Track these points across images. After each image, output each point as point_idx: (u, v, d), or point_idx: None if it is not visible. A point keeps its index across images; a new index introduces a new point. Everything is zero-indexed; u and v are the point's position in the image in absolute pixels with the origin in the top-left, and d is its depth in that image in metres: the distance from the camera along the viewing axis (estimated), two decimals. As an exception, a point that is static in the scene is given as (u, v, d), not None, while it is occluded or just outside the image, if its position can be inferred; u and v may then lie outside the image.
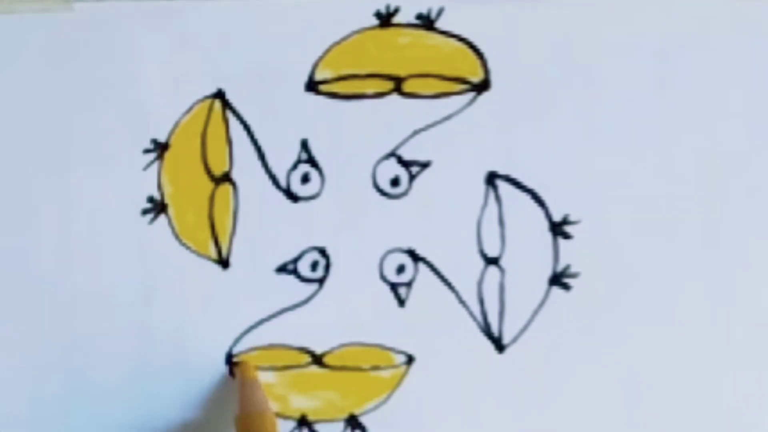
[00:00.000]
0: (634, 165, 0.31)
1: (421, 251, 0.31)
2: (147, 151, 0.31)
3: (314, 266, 0.31)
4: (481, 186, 0.31)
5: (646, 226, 0.31)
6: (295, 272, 0.31)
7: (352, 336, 0.32)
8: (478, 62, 0.31)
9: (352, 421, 0.32)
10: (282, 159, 0.32)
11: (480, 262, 0.31)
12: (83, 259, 0.31)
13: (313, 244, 0.32)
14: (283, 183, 0.32)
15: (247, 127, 0.32)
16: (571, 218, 0.31)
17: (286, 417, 0.32)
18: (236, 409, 0.30)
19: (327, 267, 0.31)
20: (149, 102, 0.31)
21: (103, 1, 0.31)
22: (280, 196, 0.32)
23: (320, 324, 0.31)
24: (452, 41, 0.31)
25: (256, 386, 0.30)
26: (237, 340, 0.31)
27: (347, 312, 0.32)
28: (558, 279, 0.31)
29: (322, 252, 0.31)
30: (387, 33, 0.31)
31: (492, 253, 0.31)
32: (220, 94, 0.31)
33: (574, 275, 0.31)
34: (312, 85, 0.31)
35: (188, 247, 0.32)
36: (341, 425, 0.32)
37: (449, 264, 0.31)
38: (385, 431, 0.32)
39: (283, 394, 0.31)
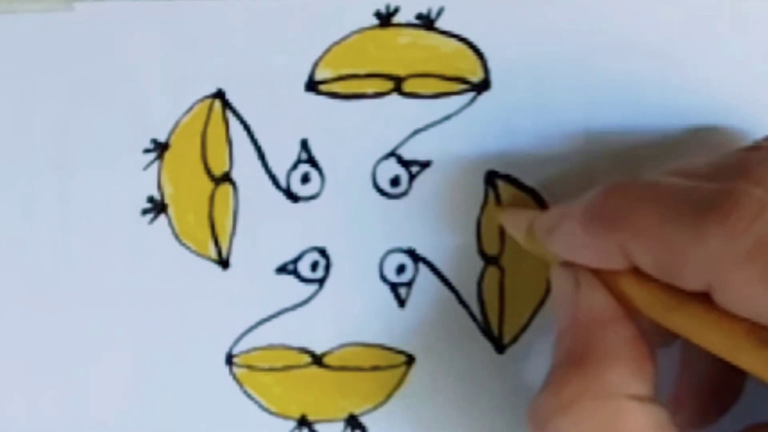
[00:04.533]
0: (633, 164, 0.31)
1: (421, 251, 0.31)
2: (147, 150, 0.32)
3: (314, 266, 0.31)
4: (481, 185, 0.31)
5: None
6: (295, 272, 0.31)
7: (352, 336, 0.32)
8: (478, 62, 0.31)
9: (352, 421, 0.32)
10: (282, 159, 0.32)
11: (480, 262, 0.31)
12: (83, 259, 0.31)
13: (313, 245, 0.32)
14: (283, 183, 0.32)
15: (247, 127, 0.32)
16: (571, 218, 0.31)
17: (286, 417, 0.32)
18: None
19: (327, 267, 0.31)
20: (149, 102, 0.31)
21: (103, 1, 0.31)
22: (280, 196, 0.32)
23: (320, 324, 0.31)
24: (452, 41, 0.31)
25: None
26: (237, 341, 0.31)
27: (347, 312, 0.32)
28: None
29: (322, 252, 0.32)
30: (387, 33, 0.31)
31: (492, 252, 0.31)
32: (220, 94, 0.32)
33: (574, 275, 0.31)
34: (312, 85, 0.31)
35: (188, 248, 0.32)
36: (341, 425, 0.32)
37: (449, 264, 0.31)
38: (385, 431, 0.31)
39: (283, 394, 0.31)
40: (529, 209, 0.31)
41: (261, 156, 0.32)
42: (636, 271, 0.25)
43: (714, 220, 0.22)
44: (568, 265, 0.27)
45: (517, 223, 0.30)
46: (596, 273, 0.26)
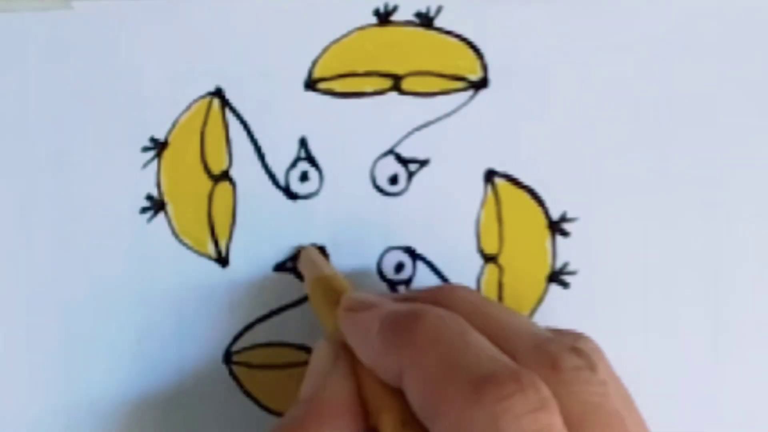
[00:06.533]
0: (632, 163, 0.31)
1: (419, 249, 0.31)
2: (146, 149, 0.32)
3: (313, 264, 0.32)
4: (480, 183, 0.31)
5: (644, 224, 0.31)
6: (293, 270, 0.31)
7: (351, 334, 0.31)
8: (476, 60, 0.31)
9: (351, 419, 0.32)
10: (281, 157, 0.32)
11: (478, 260, 0.31)
12: (81, 258, 0.31)
13: (311, 242, 0.32)
14: (281, 181, 0.32)
15: (245, 125, 0.32)
16: (569, 216, 0.31)
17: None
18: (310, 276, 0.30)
19: (326, 265, 0.32)
20: (148, 100, 0.31)
21: (102, 0, 0.31)
22: (279, 195, 0.32)
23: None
24: (451, 39, 0.31)
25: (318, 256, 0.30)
26: (236, 338, 0.31)
27: (346, 310, 0.32)
28: (556, 276, 0.31)
29: (321, 250, 0.32)
30: (385, 31, 0.31)
31: (491, 251, 0.31)
32: (219, 92, 0.32)
33: (572, 273, 0.31)
34: (311, 84, 0.31)
35: (187, 246, 0.32)
36: (340, 423, 0.32)
37: (448, 262, 0.31)
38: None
39: (282, 392, 0.31)
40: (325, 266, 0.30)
41: (260, 154, 0.32)
42: (385, 386, 0.24)
43: (488, 398, 0.21)
44: (332, 341, 0.26)
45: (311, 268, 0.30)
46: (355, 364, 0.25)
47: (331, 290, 0.28)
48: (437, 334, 0.23)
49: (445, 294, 0.26)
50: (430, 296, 0.26)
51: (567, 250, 0.31)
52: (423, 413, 0.22)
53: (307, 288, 0.30)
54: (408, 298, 0.27)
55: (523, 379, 0.21)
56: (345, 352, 0.26)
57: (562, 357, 0.23)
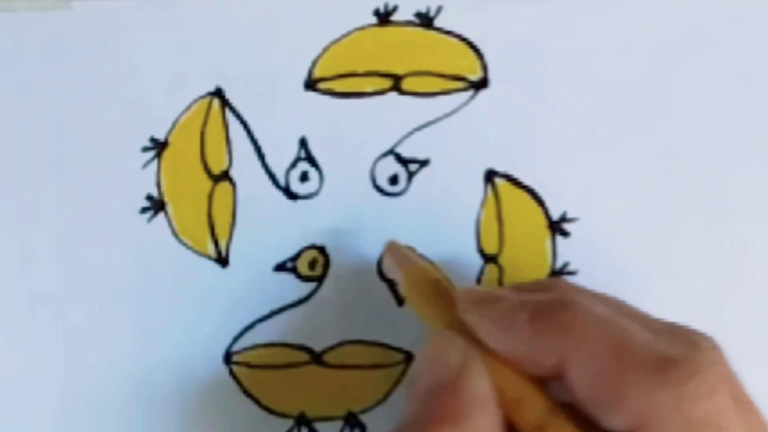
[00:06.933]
0: (631, 163, 0.31)
1: (419, 249, 0.31)
2: (146, 149, 0.32)
3: (313, 264, 0.31)
4: (480, 183, 0.31)
5: (643, 224, 0.31)
6: (293, 270, 0.32)
7: (351, 334, 0.32)
8: (476, 60, 0.31)
9: (351, 419, 0.32)
10: (281, 157, 0.32)
11: (478, 260, 0.31)
12: (81, 257, 0.31)
13: (311, 243, 0.32)
14: (282, 181, 0.32)
15: (246, 126, 0.32)
16: (569, 216, 0.31)
17: (284, 415, 0.32)
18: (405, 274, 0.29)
19: (325, 265, 0.32)
20: (148, 100, 0.31)
21: (101, 0, 0.31)
22: (279, 195, 0.32)
23: (319, 322, 0.31)
24: (451, 39, 0.31)
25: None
26: (236, 339, 0.31)
27: (346, 310, 0.32)
28: (556, 277, 0.31)
29: (321, 250, 0.32)
30: (385, 31, 0.31)
31: (491, 251, 0.31)
32: (219, 93, 0.32)
33: (572, 273, 0.31)
34: (311, 84, 0.31)
35: (187, 246, 0.32)
36: (340, 423, 0.32)
37: (448, 262, 0.31)
38: (384, 429, 0.31)
39: (281, 391, 0.31)
40: (413, 260, 0.29)
41: (260, 154, 0.32)
42: (518, 374, 0.24)
43: (672, 380, 0.22)
44: (459, 334, 0.25)
45: (402, 267, 0.29)
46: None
47: (432, 283, 0.27)
48: (593, 320, 0.23)
49: (555, 286, 0.26)
50: (543, 288, 0.26)
51: (567, 250, 0.31)
52: (595, 397, 0.23)
53: (402, 284, 0.29)
54: (526, 290, 0.26)
55: (701, 361, 0.22)
56: (474, 345, 0.25)
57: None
